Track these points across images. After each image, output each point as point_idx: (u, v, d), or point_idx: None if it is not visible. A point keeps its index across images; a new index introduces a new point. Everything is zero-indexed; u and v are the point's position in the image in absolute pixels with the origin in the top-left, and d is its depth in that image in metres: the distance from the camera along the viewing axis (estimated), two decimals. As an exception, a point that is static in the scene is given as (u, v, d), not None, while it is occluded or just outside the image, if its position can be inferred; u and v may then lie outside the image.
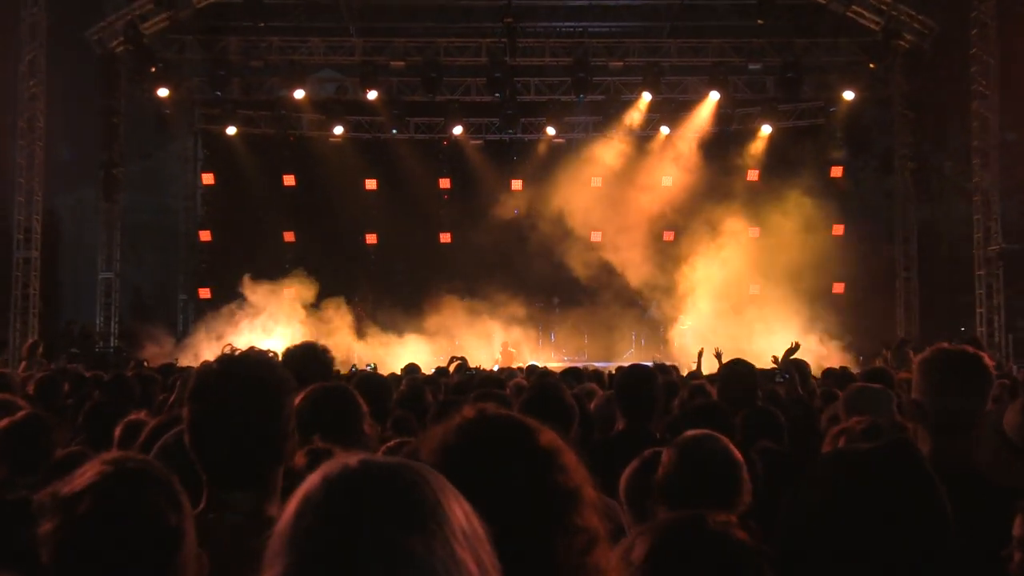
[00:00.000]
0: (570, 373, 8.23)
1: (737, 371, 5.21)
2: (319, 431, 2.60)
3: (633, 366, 4.71)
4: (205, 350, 18.65)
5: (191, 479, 1.93)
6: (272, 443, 2.16)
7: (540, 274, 21.93)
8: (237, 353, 2.26)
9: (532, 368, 11.35)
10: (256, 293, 20.00)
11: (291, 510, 1.01)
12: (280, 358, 3.79)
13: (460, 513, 1.03)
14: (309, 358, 3.83)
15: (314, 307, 20.16)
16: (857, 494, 1.48)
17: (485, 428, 1.41)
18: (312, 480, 1.03)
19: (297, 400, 2.63)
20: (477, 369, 11.19)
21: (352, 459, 1.05)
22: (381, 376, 5.14)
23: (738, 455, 2.57)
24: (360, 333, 20.75)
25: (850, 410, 3.89)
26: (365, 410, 2.98)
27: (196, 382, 2.24)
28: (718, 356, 10.37)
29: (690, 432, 2.63)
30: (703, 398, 5.43)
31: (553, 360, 20.48)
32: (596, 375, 9.29)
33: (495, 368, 14.38)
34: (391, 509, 0.99)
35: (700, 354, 11.14)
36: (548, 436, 1.42)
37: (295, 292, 20.56)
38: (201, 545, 1.69)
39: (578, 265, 21.38)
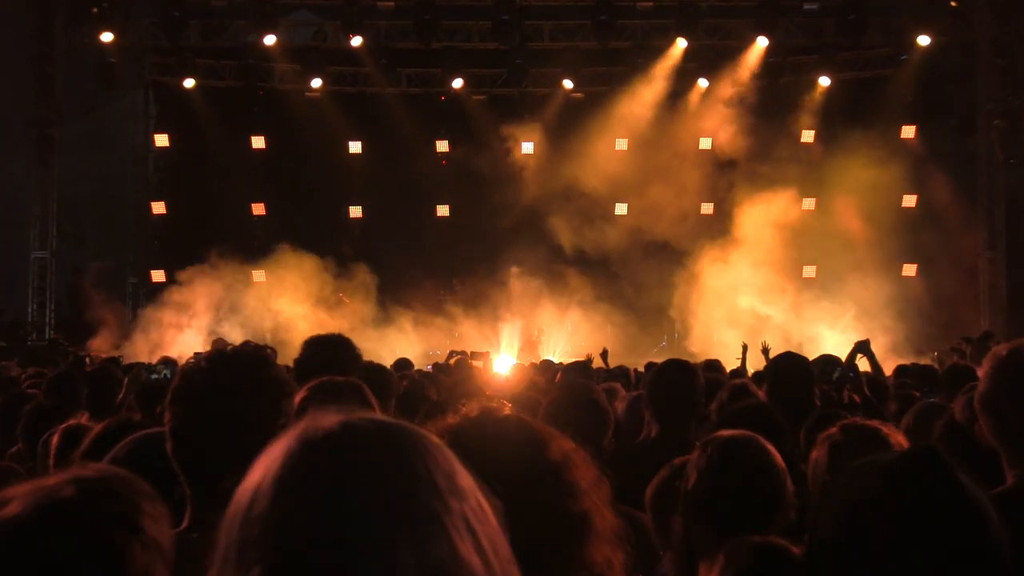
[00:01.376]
0: (577, 368, 8.33)
1: (789, 367, 5.16)
2: None
3: (669, 362, 4.72)
4: (158, 343, 18.79)
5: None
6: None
7: (554, 253, 22.18)
8: (228, 349, 2.36)
9: (547, 364, 11.50)
10: (218, 276, 20.34)
11: (268, 486, 1.04)
12: (301, 350, 3.92)
13: (464, 483, 1.07)
14: (339, 348, 3.97)
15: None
16: (884, 504, 1.53)
17: (486, 431, 1.43)
18: (289, 447, 1.05)
19: (298, 398, 2.71)
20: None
21: (332, 419, 1.08)
22: (384, 368, 5.24)
23: (780, 461, 2.55)
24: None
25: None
26: (377, 408, 3.09)
27: (181, 382, 2.30)
28: (765, 352, 10.71)
29: (724, 432, 2.64)
30: (746, 400, 5.37)
31: (571, 355, 20.37)
32: (620, 372, 9.57)
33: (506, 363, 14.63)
34: (385, 493, 1.02)
35: (744, 349, 11.37)
36: (561, 447, 1.43)
37: (265, 275, 20.94)
38: (180, 571, 1.67)
39: (600, 242, 21.66)
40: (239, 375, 2.27)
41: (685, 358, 5.14)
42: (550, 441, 1.46)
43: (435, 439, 1.11)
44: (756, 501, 2.42)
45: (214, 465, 2.15)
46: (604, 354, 13.05)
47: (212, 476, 2.15)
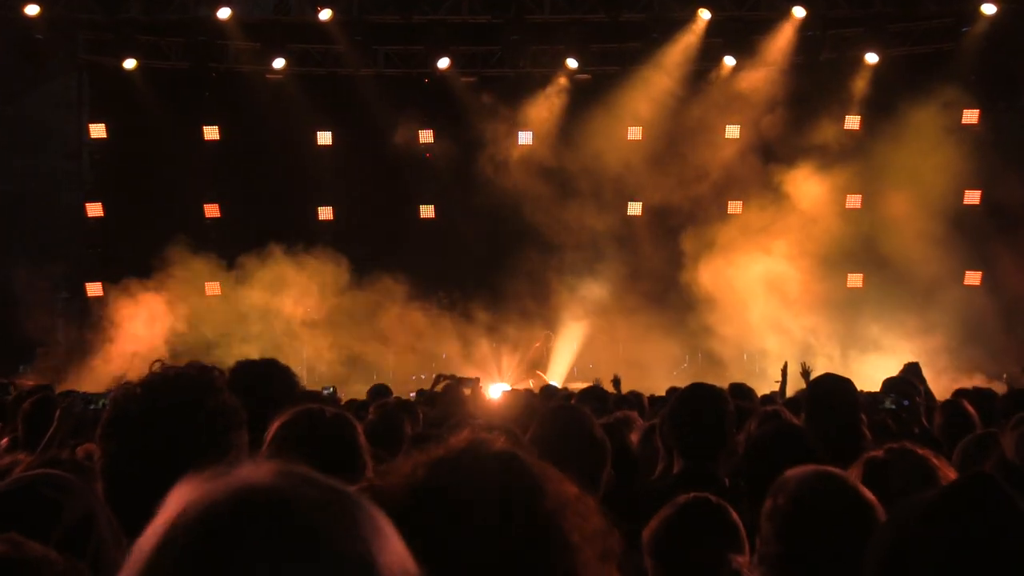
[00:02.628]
0: (591, 395, 8.47)
1: (829, 390, 5.25)
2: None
3: (694, 386, 4.79)
4: (95, 368, 18.83)
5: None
6: None
7: (557, 260, 22.24)
8: (169, 372, 2.36)
9: (549, 390, 11.88)
10: (164, 290, 20.43)
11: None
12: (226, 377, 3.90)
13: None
14: (268, 377, 4.07)
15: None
16: (926, 545, 1.59)
17: (462, 473, 1.44)
18: (176, 520, 1.04)
19: (271, 431, 2.85)
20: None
21: (222, 486, 1.05)
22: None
23: (878, 505, 2.55)
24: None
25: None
26: (364, 444, 3.20)
27: (113, 413, 2.32)
28: (805, 374, 10.90)
29: (799, 470, 2.64)
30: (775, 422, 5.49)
31: (577, 377, 20.83)
32: (634, 399, 9.75)
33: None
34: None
35: (784, 369, 11.58)
36: (559, 493, 1.45)
37: (220, 288, 21.11)
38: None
39: (611, 247, 21.73)
40: (180, 403, 2.29)
41: (710, 381, 5.17)
42: (545, 485, 1.46)
43: (374, 514, 1.07)
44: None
45: (153, 509, 2.13)
46: (616, 382, 13.10)
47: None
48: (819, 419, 5.07)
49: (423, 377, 20.01)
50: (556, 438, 3.73)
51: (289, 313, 21.29)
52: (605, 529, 1.52)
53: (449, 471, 1.45)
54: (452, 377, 12.04)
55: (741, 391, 8.68)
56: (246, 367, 4.14)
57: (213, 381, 2.40)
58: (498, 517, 1.39)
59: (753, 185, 21.43)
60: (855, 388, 5.46)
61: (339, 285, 21.63)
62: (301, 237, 21.82)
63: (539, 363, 20.74)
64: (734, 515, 3.11)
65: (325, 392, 14.40)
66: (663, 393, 11.13)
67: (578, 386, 14.92)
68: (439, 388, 11.26)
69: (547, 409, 4.55)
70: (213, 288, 21.08)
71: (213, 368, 2.47)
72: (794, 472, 2.65)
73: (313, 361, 21.11)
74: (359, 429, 3.30)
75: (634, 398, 10.33)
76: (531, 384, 18.54)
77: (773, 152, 21.21)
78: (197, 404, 2.31)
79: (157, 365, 2.40)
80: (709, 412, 4.47)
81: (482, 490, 1.42)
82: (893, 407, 6.33)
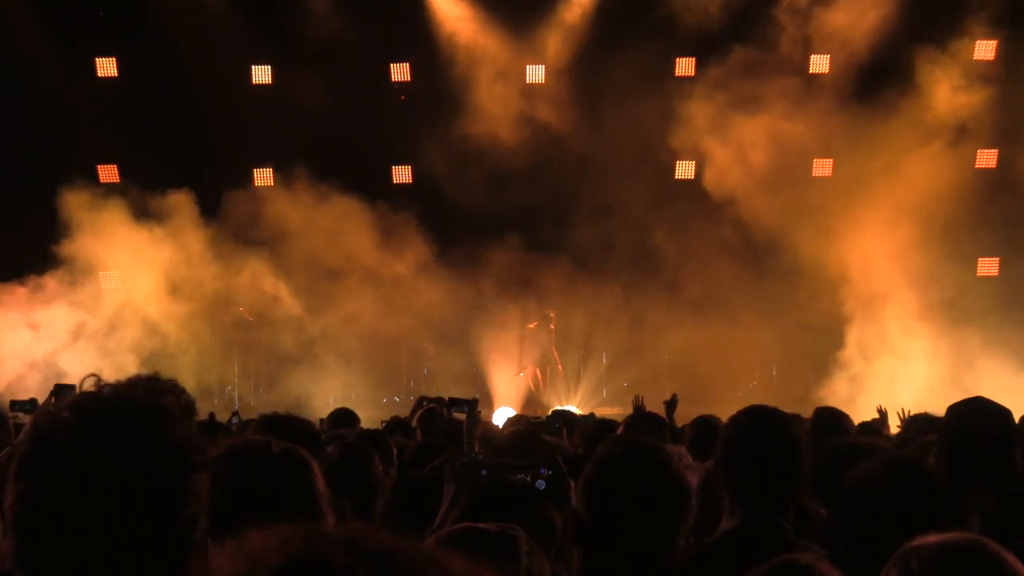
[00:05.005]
0: (643, 423, 8.73)
1: (975, 418, 5.44)
2: (247, 521, 2.58)
3: (756, 412, 4.81)
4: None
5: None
6: (170, 548, 2.30)
7: (575, 239, 22.43)
8: (107, 390, 2.37)
9: (561, 415, 12.24)
10: (48, 278, 20.74)
11: None
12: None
13: None
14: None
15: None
16: None
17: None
18: None
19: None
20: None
21: None
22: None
23: None
24: (244, 353, 22.19)
25: None
26: (324, 490, 3.39)
27: (32, 446, 2.34)
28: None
29: (939, 538, 2.72)
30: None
31: (607, 402, 21.47)
32: (676, 432, 9.92)
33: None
34: None
35: (882, 412, 12.16)
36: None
37: (120, 277, 21.46)
38: None
39: (651, 220, 21.76)
40: (125, 432, 2.31)
41: (778, 406, 5.10)
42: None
43: None
44: None
45: (87, 570, 2.26)
46: (670, 404, 12.99)
47: None
48: (958, 452, 5.24)
49: (397, 400, 21.33)
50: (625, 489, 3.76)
51: (211, 308, 21.78)
52: None
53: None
54: (439, 401, 12.08)
55: (833, 418, 8.63)
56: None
57: (165, 408, 2.39)
58: None
59: (841, 136, 21.65)
60: (1011, 419, 5.55)
61: (277, 271, 22.13)
62: (233, 209, 22.05)
63: (538, 352, 21.21)
64: None
65: (233, 423, 14.41)
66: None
67: (608, 412, 14.78)
68: (415, 418, 11.35)
69: (609, 451, 4.31)
70: (111, 277, 21.37)
71: (170, 383, 2.48)
72: (933, 541, 2.67)
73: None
74: (315, 470, 3.40)
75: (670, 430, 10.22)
76: (523, 376, 20.14)
77: (870, 91, 21.31)
78: (148, 435, 2.32)
79: (91, 381, 2.37)
80: (774, 447, 4.49)
81: None
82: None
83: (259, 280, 21.86)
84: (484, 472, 4.84)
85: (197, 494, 2.36)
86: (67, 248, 20.89)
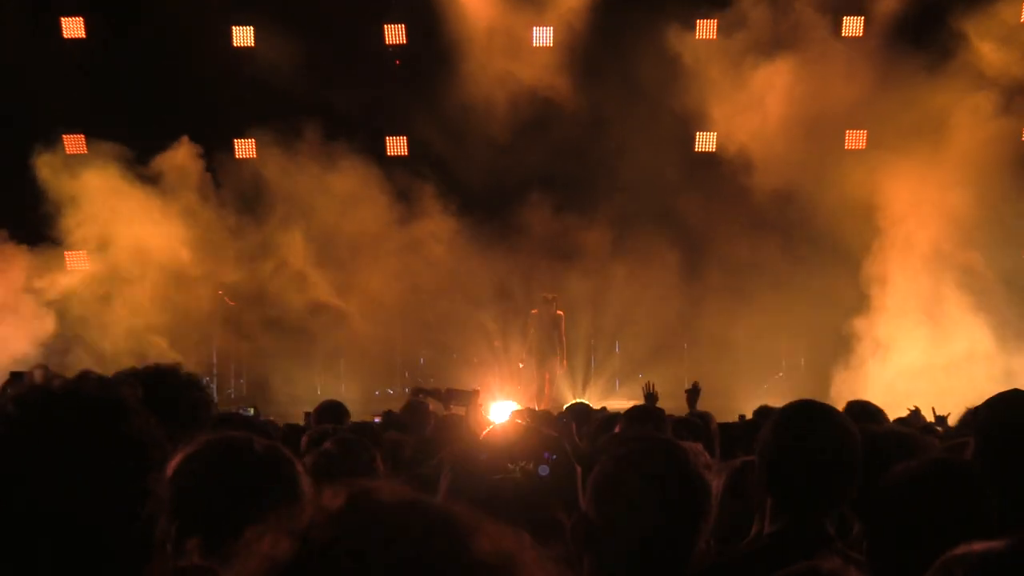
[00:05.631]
0: (643, 417, 8.75)
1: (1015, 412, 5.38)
2: (209, 528, 2.90)
3: (811, 406, 4.77)
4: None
5: None
6: (124, 552, 2.32)
7: (589, 218, 22.62)
8: (56, 383, 2.38)
9: (573, 409, 12.24)
10: (10, 262, 20.88)
11: None
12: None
13: None
14: (168, 390, 4.36)
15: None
16: None
17: (357, 530, 1.57)
18: None
19: (171, 467, 2.96)
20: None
21: None
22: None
23: None
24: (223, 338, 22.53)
25: None
26: (310, 491, 3.36)
27: None
28: (941, 421, 11.60)
29: (985, 547, 2.54)
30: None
31: (616, 393, 21.95)
32: (700, 422, 9.92)
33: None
34: None
35: (913, 411, 12.14)
36: (495, 547, 1.56)
37: (87, 259, 21.76)
38: None
39: (670, 196, 21.96)
40: (75, 429, 2.31)
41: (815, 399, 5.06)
42: (473, 538, 1.54)
43: None
44: None
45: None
46: (692, 393, 13.26)
47: None
48: (996, 451, 5.07)
49: (391, 392, 21.61)
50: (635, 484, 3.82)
51: (187, 293, 21.93)
52: None
53: (332, 539, 1.53)
54: (436, 392, 12.04)
55: (865, 409, 8.62)
56: (134, 377, 4.29)
57: (122, 401, 2.41)
58: None
59: (882, 109, 21.56)
60: None
61: (267, 249, 22.39)
62: (213, 183, 22.41)
63: (543, 340, 21.23)
64: None
65: (244, 412, 14.55)
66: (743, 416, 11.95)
67: (619, 406, 15.34)
68: (413, 405, 11.38)
69: (618, 449, 4.32)
70: (78, 259, 21.51)
71: (121, 380, 2.67)
72: (977, 549, 2.51)
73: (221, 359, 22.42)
74: (300, 470, 3.44)
75: (695, 422, 10.26)
76: (523, 366, 20.67)
77: (916, 54, 21.18)
78: (102, 431, 2.34)
79: (39, 372, 2.40)
80: (820, 443, 4.43)
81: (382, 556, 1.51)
82: None
83: (243, 252, 22.11)
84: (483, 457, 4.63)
85: (155, 493, 2.37)
86: (36, 218, 21.10)
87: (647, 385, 14.12)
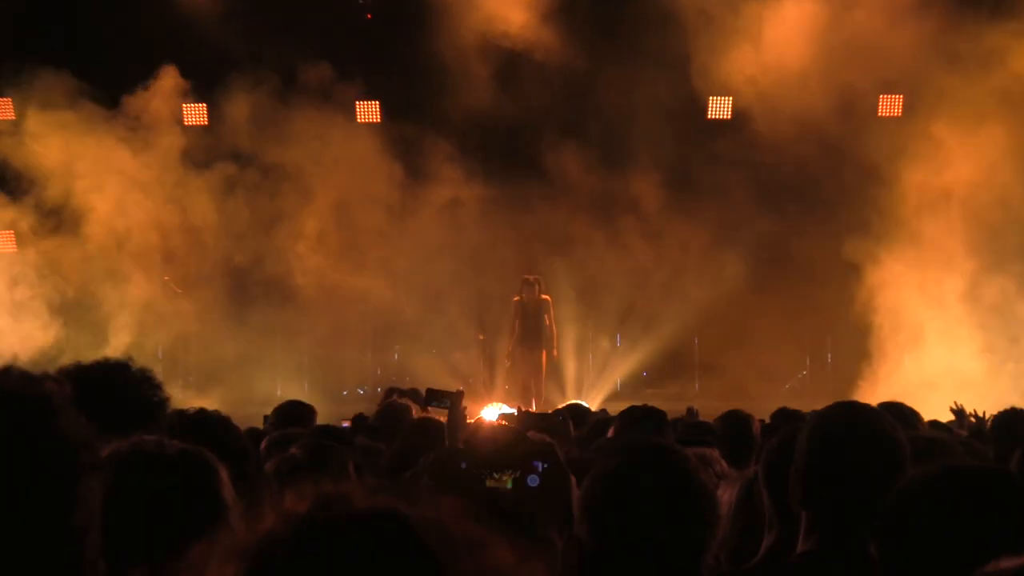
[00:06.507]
0: (646, 418, 8.87)
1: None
2: (147, 539, 3.07)
3: (843, 407, 4.86)
4: None
5: None
6: (51, 570, 2.37)
7: (585, 191, 23.01)
8: None
9: (571, 408, 12.50)
10: None
11: None
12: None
13: None
14: (114, 385, 4.48)
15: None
16: None
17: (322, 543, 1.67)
18: None
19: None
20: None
21: None
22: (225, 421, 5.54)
23: None
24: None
25: None
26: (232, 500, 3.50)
27: None
28: (959, 412, 12.09)
29: (1019, 562, 2.52)
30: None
31: (621, 395, 21.82)
32: (705, 427, 10.21)
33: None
34: None
35: (957, 411, 12.41)
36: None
37: (14, 239, 22.16)
38: None
39: (680, 168, 22.38)
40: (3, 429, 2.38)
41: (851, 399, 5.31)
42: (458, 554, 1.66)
43: None
44: None
45: None
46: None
47: None
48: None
49: (361, 392, 22.32)
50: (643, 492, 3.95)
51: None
52: None
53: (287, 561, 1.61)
54: (412, 392, 12.45)
55: (898, 412, 8.51)
56: (76, 372, 4.46)
57: (49, 399, 2.42)
58: None
59: (920, 71, 21.55)
60: None
61: (220, 231, 22.87)
62: (158, 155, 22.64)
63: (531, 331, 21.58)
64: None
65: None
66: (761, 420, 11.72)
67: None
68: (386, 407, 11.63)
69: (612, 458, 4.46)
70: (5, 240, 21.91)
71: (46, 375, 2.56)
72: (1009, 567, 2.49)
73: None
74: (222, 476, 3.47)
75: (700, 427, 10.71)
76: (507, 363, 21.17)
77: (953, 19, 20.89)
78: (22, 431, 2.35)
79: None
80: (869, 452, 4.45)
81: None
82: None
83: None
84: (464, 465, 4.77)
85: (86, 502, 2.40)
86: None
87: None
